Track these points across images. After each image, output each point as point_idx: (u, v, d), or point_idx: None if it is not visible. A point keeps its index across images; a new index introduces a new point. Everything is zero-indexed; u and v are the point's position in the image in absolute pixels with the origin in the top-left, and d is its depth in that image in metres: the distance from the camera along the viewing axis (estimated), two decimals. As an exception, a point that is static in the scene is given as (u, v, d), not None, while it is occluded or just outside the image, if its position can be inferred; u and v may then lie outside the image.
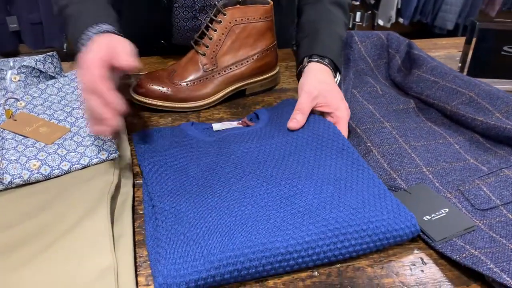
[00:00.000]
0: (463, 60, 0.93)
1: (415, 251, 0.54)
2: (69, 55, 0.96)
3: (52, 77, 0.74)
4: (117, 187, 0.60)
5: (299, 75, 0.80)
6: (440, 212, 0.57)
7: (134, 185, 0.63)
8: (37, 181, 0.60)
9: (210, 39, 0.80)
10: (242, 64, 0.83)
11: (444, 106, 0.77)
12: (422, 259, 0.53)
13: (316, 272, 0.51)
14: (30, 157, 0.61)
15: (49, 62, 0.74)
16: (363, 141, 0.70)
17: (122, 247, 0.51)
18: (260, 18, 0.82)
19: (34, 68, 0.72)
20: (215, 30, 0.80)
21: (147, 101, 0.79)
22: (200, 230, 0.51)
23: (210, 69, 0.81)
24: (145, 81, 0.79)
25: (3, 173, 0.59)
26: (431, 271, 0.52)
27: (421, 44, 1.01)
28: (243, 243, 0.49)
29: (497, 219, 0.57)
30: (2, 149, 0.62)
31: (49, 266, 0.47)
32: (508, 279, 0.47)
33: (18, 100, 0.68)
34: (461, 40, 1.04)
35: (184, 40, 0.93)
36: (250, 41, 0.82)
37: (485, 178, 0.63)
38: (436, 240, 0.53)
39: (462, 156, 0.68)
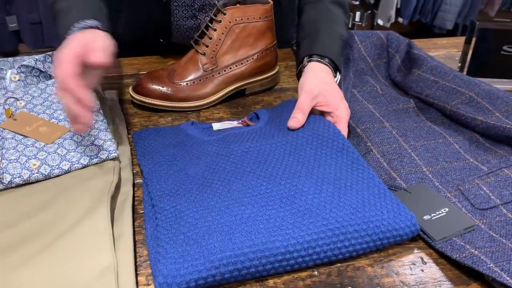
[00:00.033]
0: (462, 60, 0.93)
1: (415, 251, 0.54)
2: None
3: (52, 77, 0.74)
4: (117, 187, 0.60)
5: (299, 75, 0.80)
6: (440, 212, 0.57)
7: (134, 185, 0.63)
8: (37, 181, 0.60)
9: (210, 38, 0.80)
10: (242, 63, 0.83)
11: (444, 105, 0.77)
12: (422, 258, 0.53)
13: (316, 272, 0.51)
14: (30, 157, 0.61)
15: (49, 62, 0.74)
16: (363, 141, 0.70)
17: (122, 247, 0.51)
18: (260, 17, 0.82)
19: (34, 67, 0.72)
20: (215, 30, 0.80)
21: (147, 100, 0.79)
22: (200, 230, 0.51)
23: (210, 68, 0.81)
24: (145, 80, 0.79)
25: (3, 172, 0.59)
26: (431, 271, 0.52)
27: (420, 44, 1.01)
28: (243, 243, 0.49)
29: (497, 219, 0.57)
30: (2, 148, 0.62)
31: (49, 266, 0.47)
32: (508, 278, 0.47)
33: (18, 100, 0.68)
34: (460, 40, 1.04)
35: (184, 39, 0.93)
36: (250, 41, 0.82)
37: (485, 178, 0.63)
38: (436, 239, 0.54)
39: (462, 156, 0.68)
